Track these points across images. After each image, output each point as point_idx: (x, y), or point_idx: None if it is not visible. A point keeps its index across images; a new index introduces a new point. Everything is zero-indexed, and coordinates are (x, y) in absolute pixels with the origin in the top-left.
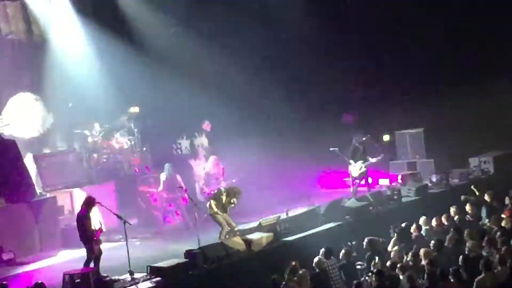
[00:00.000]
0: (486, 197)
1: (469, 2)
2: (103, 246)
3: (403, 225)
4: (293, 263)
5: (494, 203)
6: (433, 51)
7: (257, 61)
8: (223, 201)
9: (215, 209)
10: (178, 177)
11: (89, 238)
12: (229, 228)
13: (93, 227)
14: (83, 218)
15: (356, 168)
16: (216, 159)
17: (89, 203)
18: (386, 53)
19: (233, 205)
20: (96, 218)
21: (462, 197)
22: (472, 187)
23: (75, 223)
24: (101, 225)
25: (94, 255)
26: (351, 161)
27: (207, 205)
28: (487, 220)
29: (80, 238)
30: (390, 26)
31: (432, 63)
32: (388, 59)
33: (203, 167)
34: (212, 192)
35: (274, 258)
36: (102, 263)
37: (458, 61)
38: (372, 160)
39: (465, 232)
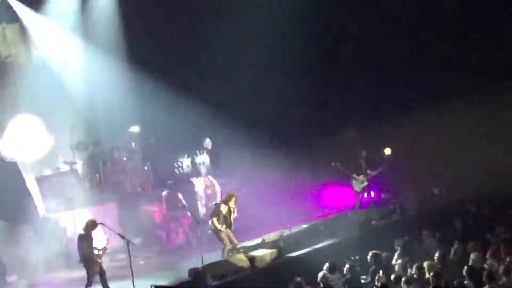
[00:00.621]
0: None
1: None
2: (107, 266)
3: (405, 238)
4: (298, 279)
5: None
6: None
7: (257, 78)
8: (224, 212)
9: (219, 226)
10: (180, 196)
11: (85, 258)
12: (231, 245)
13: (91, 247)
14: (79, 238)
15: (358, 182)
16: (210, 180)
17: (89, 226)
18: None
19: (234, 212)
20: (101, 238)
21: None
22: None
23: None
24: (106, 244)
25: (93, 275)
26: (354, 175)
27: (210, 223)
28: None
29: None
30: (388, 39)
31: (429, 77)
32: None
33: (205, 185)
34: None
35: (278, 274)
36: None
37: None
38: (372, 173)
39: (469, 244)
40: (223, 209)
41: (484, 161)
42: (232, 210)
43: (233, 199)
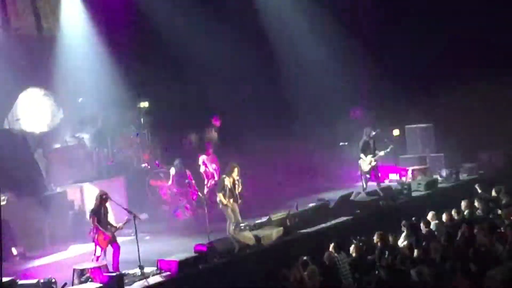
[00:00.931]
0: (494, 193)
1: None
2: None
3: (413, 219)
4: (304, 258)
5: (504, 198)
6: (443, 45)
7: (267, 55)
8: (229, 186)
9: (225, 201)
10: (188, 172)
11: (95, 231)
12: (235, 221)
13: (102, 221)
14: (90, 212)
15: (366, 162)
16: (207, 159)
17: (99, 198)
18: (396, 47)
19: (239, 185)
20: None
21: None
22: (476, 186)
23: (85, 218)
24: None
25: (102, 248)
26: (362, 155)
27: (217, 200)
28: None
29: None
30: (400, 19)
31: (442, 56)
32: (398, 53)
33: (212, 162)
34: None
35: (284, 252)
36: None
37: (468, 55)
38: (381, 153)
39: (476, 226)
40: (228, 182)
41: None
42: (237, 182)
43: (236, 169)
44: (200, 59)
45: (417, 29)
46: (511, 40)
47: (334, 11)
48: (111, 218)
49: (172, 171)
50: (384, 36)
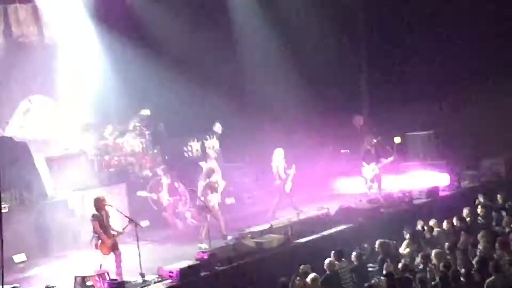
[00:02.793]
0: (499, 200)
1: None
2: None
3: (418, 227)
4: (305, 266)
5: (506, 205)
6: (445, 53)
7: (269, 63)
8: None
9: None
10: (177, 184)
11: (96, 238)
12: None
13: (103, 226)
14: (91, 218)
15: (368, 170)
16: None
17: (97, 203)
18: (398, 53)
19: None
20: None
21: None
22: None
23: (86, 225)
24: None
25: (103, 256)
26: (364, 163)
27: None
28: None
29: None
30: (402, 27)
31: (444, 64)
32: (399, 59)
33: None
34: None
35: (285, 260)
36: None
37: (470, 63)
38: (384, 161)
39: (479, 234)
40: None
41: None
42: (216, 185)
43: (213, 174)
44: (201, 66)
45: (418, 36)
46: None
47: (336, 18)
48: (113, 223)
49: (165, 180)
50: (385, 43)
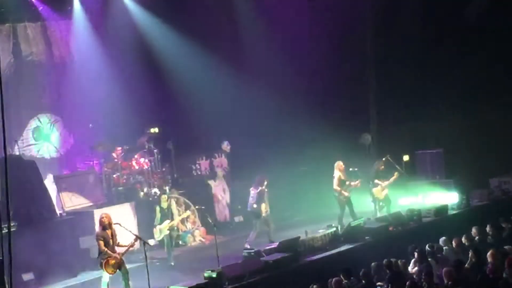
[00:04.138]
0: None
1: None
2: None
3: (426, 246)
4: (314, 286)
5: None
6: (454, 71)
7: (275, 81)
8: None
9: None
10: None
11: (102, 257)
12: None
13: (109, 245)
14: (96, 237)
15: (378, 189)
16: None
17: (102, 221)
18: (406, 71)
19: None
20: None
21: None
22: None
23: (95, 243)
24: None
25: (109, 274)
26: (376, 181)
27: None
28: None
29: None
30: (411, 45)
31: (454, 82)
32: (408, 77)
33: (223, 187)
34: None
35: (294, 278)
36: (119, 284)
37: (476, 80)
38: (391, 179)
39: (488, 253)
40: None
41: None
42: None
43: (265, 182)
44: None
45: (428, 54)
46: None
47: (344, 36)
48: (121, 241)
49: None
50: (393, 61)
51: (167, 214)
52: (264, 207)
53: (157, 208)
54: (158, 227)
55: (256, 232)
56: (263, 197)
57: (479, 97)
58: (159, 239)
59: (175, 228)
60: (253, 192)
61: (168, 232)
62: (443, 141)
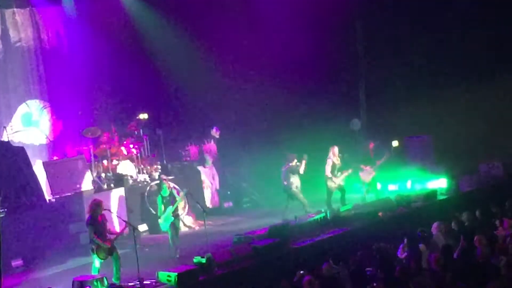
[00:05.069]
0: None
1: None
2: None
3: (419, 230)
4: (301, 272)
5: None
6: (442, 57)
7: (264, 67)
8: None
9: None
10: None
11: (93, 243)
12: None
13: (99, 231)
14: (86, 223)
15: (366, 173)
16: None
17: (93, 207)
18: (396, 56)
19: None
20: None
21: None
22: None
23: (84, 229)
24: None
25: (100, 260)
26: (362, 166)
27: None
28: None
29: None
30: (397, 30)
31: (442, 67)
32: (397, 62)
33: (212, 173)
34: None
35: (283, 264)
36: (110, 270)
37: (468, 66)
38: (379, 162)
39: (476, 238)
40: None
41: None
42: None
43: (295, 159)
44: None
45: (415, 40)
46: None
47: (333, 24)
48: (111, 227)
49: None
50: (381, 47)
51: (169, 201)
52: (295, 181)
53: (159, 198)
54: (162, 216)
55: (287, 207)
56: (293, 173)
57: (468, 83)
58: (167, 229)
59: (179, 216)
60: (283, 169)
61: (173, 219)
62: (433, 126)
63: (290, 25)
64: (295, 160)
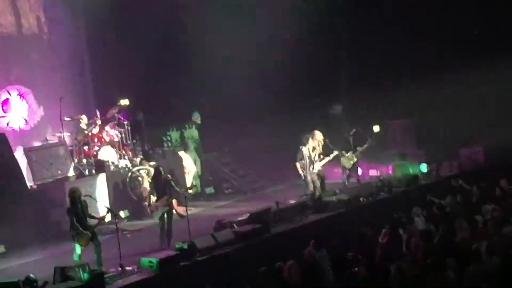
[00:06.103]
0: (475, 190)
1: None
2: None
3: (395, 215)
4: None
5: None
6: (423, 41)
7: (247, 54)
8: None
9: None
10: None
11: (74, 230)
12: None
13: (80, 218)
14: (67, 211)
15: (347, 159)
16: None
17: (70, 195)
18: (376, 42)
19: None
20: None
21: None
22: (460, 182)
23: (66, 216)
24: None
25: (81, 247)
26: (343, 152)
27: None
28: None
29: None
30: (378, 15)
31: (422, 52)
32: (377, 48)
33: (193, 159)
34: None
35: (264, 249)
36: (91, 256)
37: (449, 51)
38: (361, 149)
39: (456, 222)
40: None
41: None
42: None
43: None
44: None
45: (396, 25)
46: (492, 35)
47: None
48: (92, 211)
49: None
50: (362, 32)
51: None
52: (317, 167)
53: (150, 183)
54: (154, 204)
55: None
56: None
57: (451, 68)
58: (159, 216)
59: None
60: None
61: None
62: (414, 111)
63: (272, 9)
64: (310, 140)
